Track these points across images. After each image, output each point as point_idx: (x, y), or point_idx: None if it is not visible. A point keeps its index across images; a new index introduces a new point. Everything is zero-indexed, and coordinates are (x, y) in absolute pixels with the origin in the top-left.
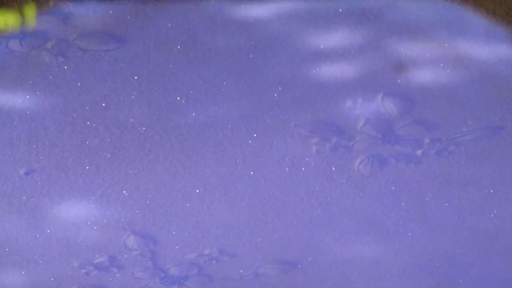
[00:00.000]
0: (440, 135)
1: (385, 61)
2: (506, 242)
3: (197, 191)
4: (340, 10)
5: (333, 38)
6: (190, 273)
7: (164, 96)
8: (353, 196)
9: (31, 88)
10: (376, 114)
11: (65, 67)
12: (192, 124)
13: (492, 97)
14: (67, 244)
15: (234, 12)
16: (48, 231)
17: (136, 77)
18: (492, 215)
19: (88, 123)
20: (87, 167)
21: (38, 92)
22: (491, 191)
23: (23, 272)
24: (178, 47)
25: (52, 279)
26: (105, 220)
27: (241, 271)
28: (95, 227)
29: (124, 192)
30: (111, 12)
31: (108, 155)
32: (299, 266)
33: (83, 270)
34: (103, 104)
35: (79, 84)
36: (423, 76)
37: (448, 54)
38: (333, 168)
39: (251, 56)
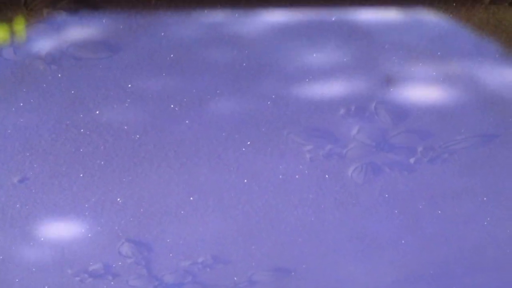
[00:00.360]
0: (433, 144)
1: (378, 72)
2: (500, 251)
3: (191, 198)
4: (333, 22)
5: (327, 49)
6: (185, 280)
7: (157, 104)
8: (347, 204)
9: (25, 96)
10: (369, 122)
11: (59, 75)
12: (185, 131)
13: (485, 105)
14: (61, 251)
15: (227, 23)
16: (42, 239)
17: (129, 85)
18: (485, 223)
19: (81, 130)
20: (81, 175)
21: (32, 100)
22: (485, 199)
23: (17, 280)
24: (171, 55)
25: (46, 287)
26: (99, 228)
27: (235, 278)
28: (89, 235)
29: (118, 199)
30: (104, 21)
31: (102, 162)
32: (293, 273)
33: (77, 278)
34: (97, 112)
35: (72, 92)
36: (416, 85)
37: (440, 65)
38: (327, 175)
39: (244, 64)
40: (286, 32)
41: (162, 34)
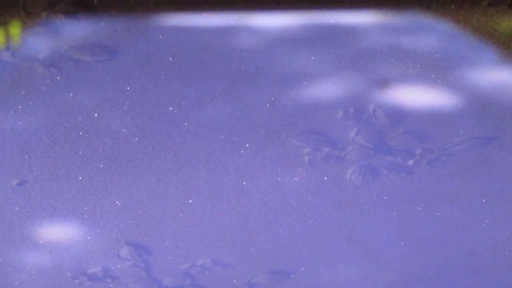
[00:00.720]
0: (431, 146)
1: (376, 74)
2: (498, 253)
3: (190, 201)
4: (331, 25)
5: (324, 52)
6: (184, 283)
7: (156, 106)
8: (345, 206)
9: (23, 99)
10: (367, 125)
11: (58, 78)
12: (184, 134)
13: (483, 108)
14: (60, 254)
15: (225, 26)
16: (41, 241)
17: (128, 88)
18: (483, 225)
19: (80, 133)
20: (80, 178)
21: (30, 103)
22: (483, 201)
23: (16, 283)
24: (170, 58)
25: None
26: (98, 231)
27: (234, 281)
28: (88, 238)
29: (117, 202)
30: (102, 24)
31: (101, 165)
32: (292, 276)
33: (77, 281)
34: (96, 115)
35: (71, 94)
36: (414, 87)
37: (438, 67)
38: (325, 178)
39: (242, 67)
40: (284, 35)
41: (160, 37)
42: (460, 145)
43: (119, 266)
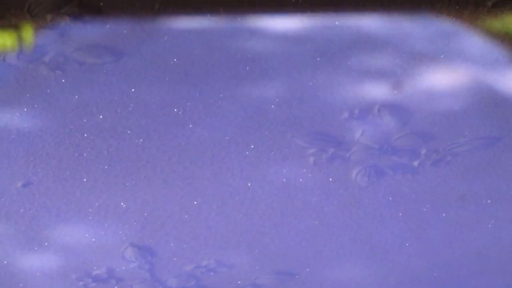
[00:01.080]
0: (437, 146)
1: (381, 75)
2: (504, 253)
3: (195, 202)
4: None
5: (330, 53)
6: (188, 284)
7: (161, 108)
8: (351, 207)
9: (28, 101)
10: (373, 125)
11: (63, 80)
12: (189, 135)
13: (488, 108)
14: (65, 256)
15: (230, 27)
16: (46, 243)
17: (133, 89)
18: (489, 226)
19: (85, 135)
20: (85, 179)
21: (35, 105)
22: (489, 201)
23: (20, 285)
24: (175, 59)
25: None
26: (102, 232)
27: (239, 282)
28: (93, 239)
29: (122, 204)
30: (108, 26)
31: (106, 167)
32: (297, 276)
33: (81, 283)
34: (100, 116)
35: (76, 97)
36: (419, 88)
37: (443, 68)
38: (330, 179)
39: (248, 68)
40: (289, 35)
41: (166, 38)
42: (465, 145)
43: (123, 267)
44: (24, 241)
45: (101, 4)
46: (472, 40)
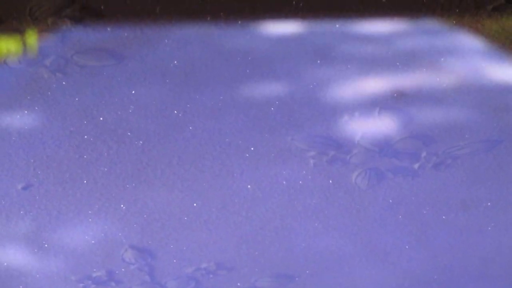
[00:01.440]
0: (437, 149)
1: (381, 78)
2: (504, 256)
3: (195, 205)
4: (337, 29)
5: (330, 56)
6: (188, 286)
7: (161, 110)
8: (351, 210)
9: (29, 103)
10: (373, 128)
11: (64, 83)
12: (189, 138)
13: (488, 111)
14: (64, 258)
15: (231, 30)
16: (46, 245)
17: (133, 92)
18: (489, 228)
19: (85, 137)
20: (85, 181)
21: (36, 108)
22: (489, 204)
23: (21, 287)
24: (175, 62)
25: None
26: (102, 234)
27: (239, 284)
28: (93, 241)
29: (122, 206)
30: (108, 29)
31: (106, 169)
32: (297, 279)
33: (81, 285)
34: (101, 119)
35: (77, 99)
36: (419, 90)
37: (443, 71)
38: (331, 181)
39: (248, 71)
40: (290, 38)
41: (166, 41)
42: (465, 148)
43: (123, 269)
44: (24, 243)
45: (102, 7)
46: (472, 44)
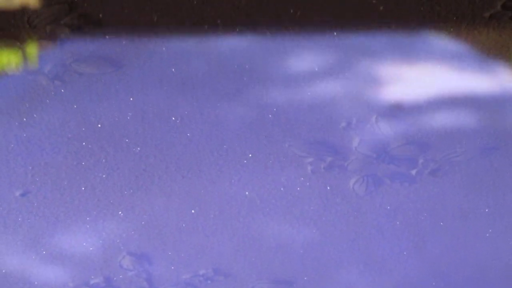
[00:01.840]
0: (434, 155)
1: (379, 85)
2: (502, 262)
3: (193, 211)
4: (335, 36)
5: (328, 63)
6: None
7: (158, 116)
8: (348, 216)
9: (27, 111)
10: (370, 134)
11: (62, 90)
12: (186, 144)
13: (486, 118)
14: (62, 265)
15: (228, 36)
16: (44, 252)
17: (131, 99)
18: (487, 234)
19: (83, 144)
20: (83, 188)
21: (34, 115)
22: (487, 210)
23: None
24: (173, 69)
25: None
26: (100, 241)
27: None
28: (91, 248)
29: (120, 212)
30: (107, 37)
31: (104, 175)
32: (294, 285)
33: None
34: (99, 125)
35: (75, 106)
36: (416, 97)
37: (440, 78)
38: (328, 187)
39: (245, 79)
40: (288, 46)
41: (164, 49)
42: (462, 154)
43: (121, 276)
44: (22, 250)
45: (101, 16)
46: (469, 52)
